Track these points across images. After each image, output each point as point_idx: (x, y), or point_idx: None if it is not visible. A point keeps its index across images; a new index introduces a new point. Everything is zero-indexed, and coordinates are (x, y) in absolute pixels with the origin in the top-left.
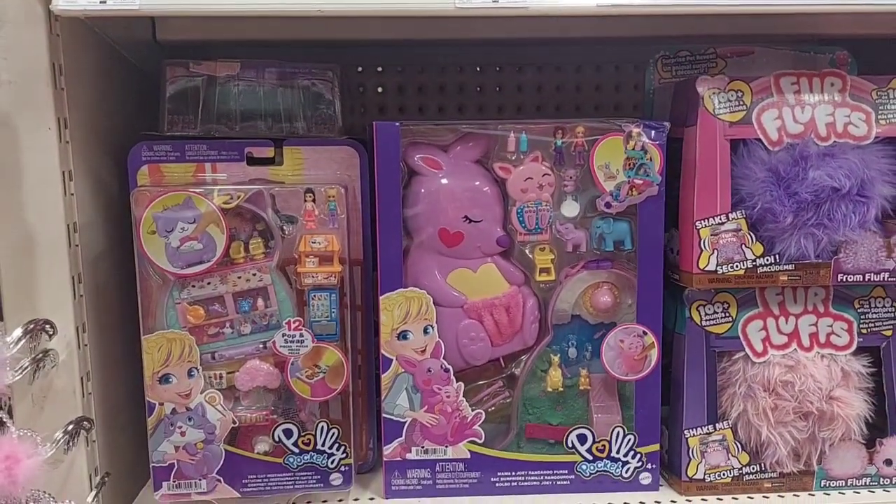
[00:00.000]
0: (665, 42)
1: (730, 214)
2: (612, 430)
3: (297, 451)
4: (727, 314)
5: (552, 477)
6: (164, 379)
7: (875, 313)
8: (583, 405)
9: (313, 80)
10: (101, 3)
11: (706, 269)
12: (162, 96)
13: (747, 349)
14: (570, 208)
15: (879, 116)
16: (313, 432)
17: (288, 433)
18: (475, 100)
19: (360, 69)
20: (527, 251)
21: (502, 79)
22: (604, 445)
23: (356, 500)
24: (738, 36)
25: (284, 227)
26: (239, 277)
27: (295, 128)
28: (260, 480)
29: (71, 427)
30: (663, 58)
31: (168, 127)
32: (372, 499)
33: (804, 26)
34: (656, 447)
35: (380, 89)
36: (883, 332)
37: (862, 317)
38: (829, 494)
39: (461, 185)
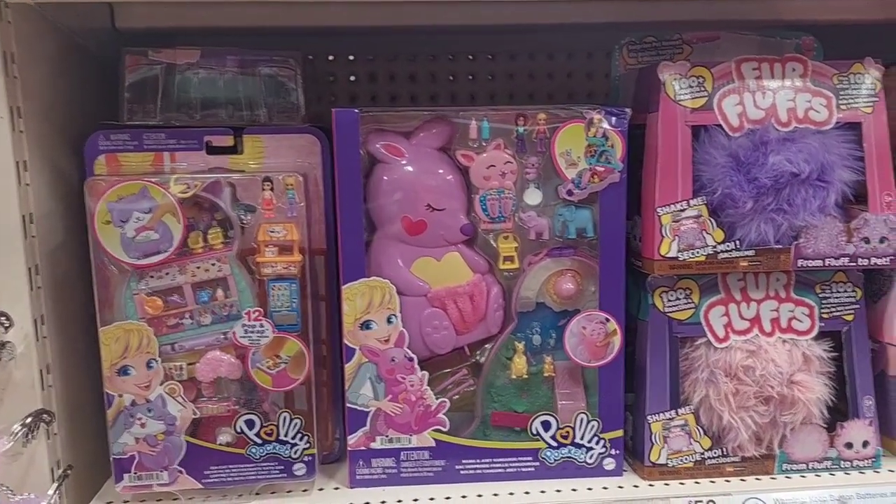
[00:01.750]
0: (637, 28)
1: (691, 201)
2: (576, 417)
3: (259, 441)
4: (689, 300)
5: (517, 464)
6: (123, 371)
7: (836, 298)
8: (548, 392)
9: (275, 67)
10: None
11: (667, 255)
12: (121, 85)
13: (709, 335)
14: (533, 196)
15: (840, 101)
16: (276, 423)
17: (250, 424)
18: (448, 88)
19: (330, 57)
20: (490, 239)
21: (475, 67)
22: (568, 432)
23: (321, 489)
24: (709, 21)
25: (243, 217)
26: (198, 268)
27: (256, 116)
28: (222, 471)
29: (29, 420)
30: (629, 44)
31: (128, 116)
32: (337, 488)
33: (770, 12)
34: (620, 433)
35: (352, 77)
36: (844, 317)
37: (823, 302)
38: (790, 478)
39: (423, 173)
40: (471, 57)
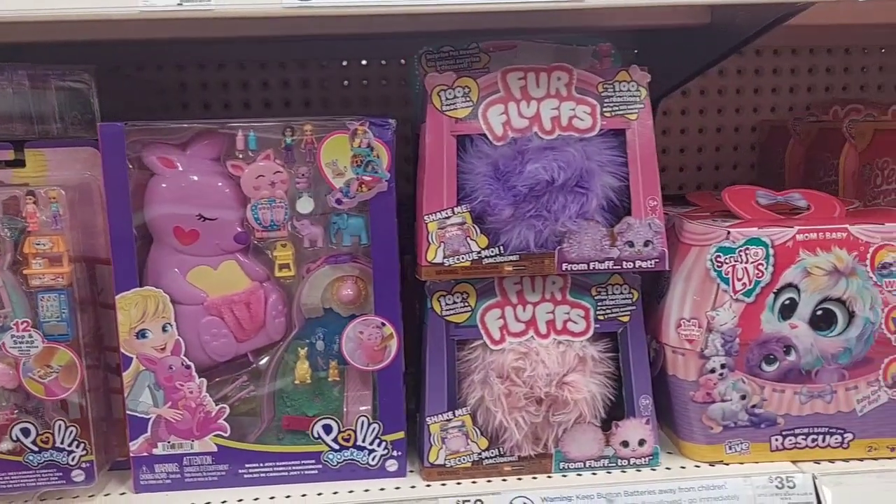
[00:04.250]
0: (437, 37)
1: (455, 209)
2: (357, 420)
3: (36, 449)
4: (466, 304)
5: (300, 467)
6: None
7: (612, 300)
8: (339, 396)
9: (68, 81)
10: None
11: (433, 261)
12: None
13: (485, 337)
14: (305, 205)
15: (604, 109)
16: (52, 430)
17: (26, 432)
18: (241, 96)
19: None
20: (266, 247)
21: (268, 74)
22: (350, 434)
23: (107, 495)
24: (518, 29)
25: (12, 230)
26: None
27: (49, 130)
28: (2, 479)
29: None
30: (427, 53)
31: None
32: (123, 493)
33: (569, 19)
34: (401, 435)
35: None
36: (620, 319)
37: (599, 304)
38: (566, 476)
39: (195, 184)
40: (261, 65)
